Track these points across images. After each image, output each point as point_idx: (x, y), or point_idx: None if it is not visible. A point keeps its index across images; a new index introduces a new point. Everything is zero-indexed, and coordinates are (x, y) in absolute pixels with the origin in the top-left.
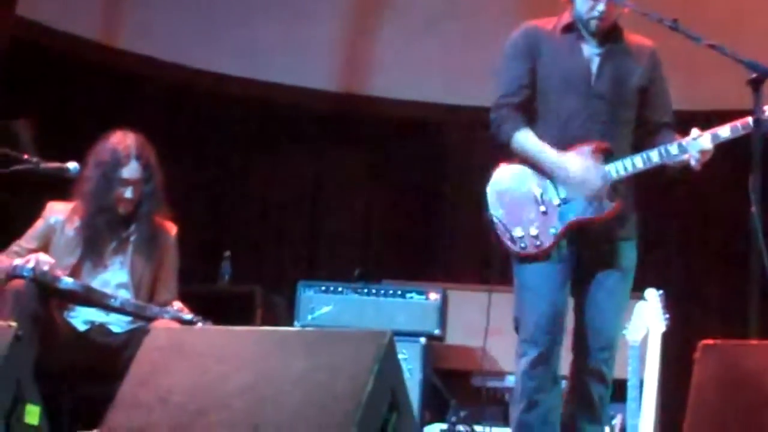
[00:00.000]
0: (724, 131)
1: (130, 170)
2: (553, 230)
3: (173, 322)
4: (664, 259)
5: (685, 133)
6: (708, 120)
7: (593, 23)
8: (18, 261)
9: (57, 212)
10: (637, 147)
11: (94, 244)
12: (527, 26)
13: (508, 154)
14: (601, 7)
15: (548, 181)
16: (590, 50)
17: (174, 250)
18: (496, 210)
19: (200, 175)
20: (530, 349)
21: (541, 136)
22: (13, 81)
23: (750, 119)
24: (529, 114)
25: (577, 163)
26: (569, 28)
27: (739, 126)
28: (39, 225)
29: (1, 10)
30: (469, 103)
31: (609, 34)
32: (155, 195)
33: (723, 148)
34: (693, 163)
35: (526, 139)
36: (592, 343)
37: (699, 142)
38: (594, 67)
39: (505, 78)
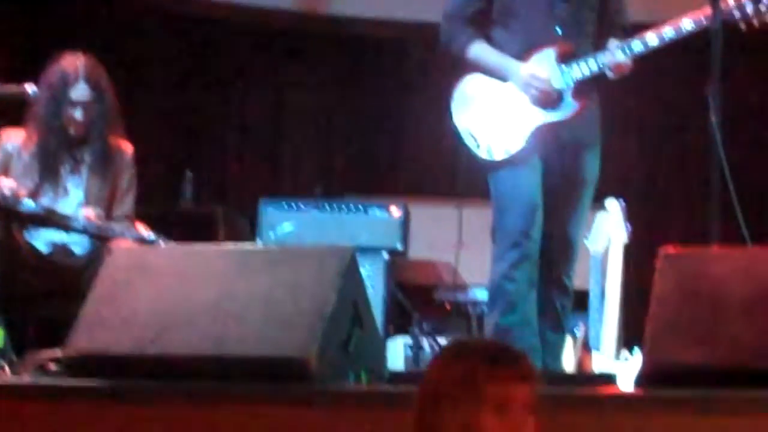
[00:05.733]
0: (669, 31)
1: (79, 91)
2: (520, 135)
3: (134, 243)
4: (624, 168)
5: None
6: None
7: None
8: None
9: (13, 139)
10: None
11: (50, 166)
12: None
13: (468, 67)
14: None
15: (513, 87)
16: None
17: (130, 169)
18: (462, 120)
19: (161, 96)
20: (510, 252)
21: (505, 42)
22: None
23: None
24: (488, 22)
25: (528, 67)
26: None
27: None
28: None
29: None
30: (432, 19)
31: None
32: (107, 116)
33: (684, 54)
34: (608, 72)
35: (481, 50)
36: (553, 254)
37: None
38: None
39: None
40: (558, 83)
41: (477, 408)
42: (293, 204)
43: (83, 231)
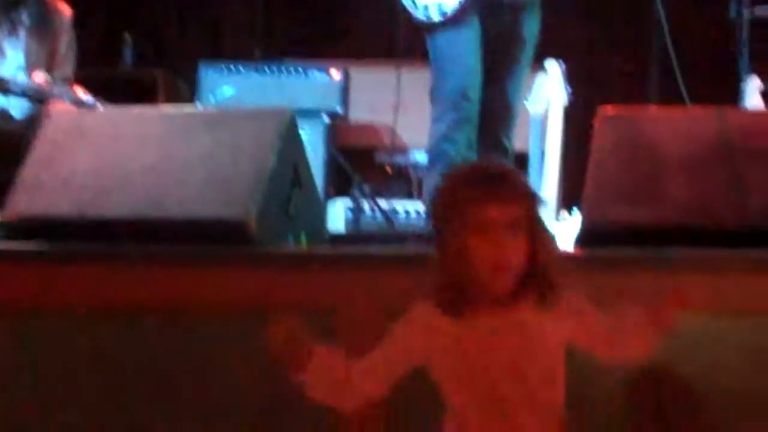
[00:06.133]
0: None
1: None
2: None
3: (73, 106)
4: (565, 29)
5: None
6: None
7: None
8: None
9: None
10: None
11: None
12: None
13: None
14: None
15: None
16: None
17: (69, 32)
18: None
19: None
20: (449, 113)
21: None
22: None
23: None
24: None
25: None
26: None
27: None
28: None
29: None
30: None
31: None
32: None
33: None
34: None
35: None
36: (493, 115)
37: None
38: None
39: None
40: None
41: (463, 229)
42: (233, 67)
43: (22, 94)
